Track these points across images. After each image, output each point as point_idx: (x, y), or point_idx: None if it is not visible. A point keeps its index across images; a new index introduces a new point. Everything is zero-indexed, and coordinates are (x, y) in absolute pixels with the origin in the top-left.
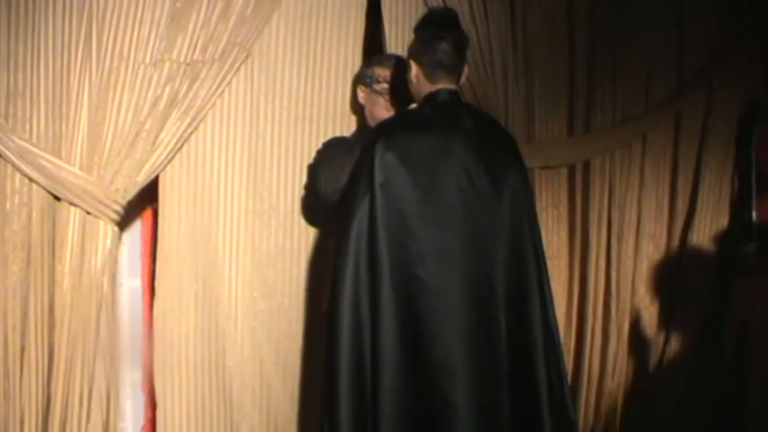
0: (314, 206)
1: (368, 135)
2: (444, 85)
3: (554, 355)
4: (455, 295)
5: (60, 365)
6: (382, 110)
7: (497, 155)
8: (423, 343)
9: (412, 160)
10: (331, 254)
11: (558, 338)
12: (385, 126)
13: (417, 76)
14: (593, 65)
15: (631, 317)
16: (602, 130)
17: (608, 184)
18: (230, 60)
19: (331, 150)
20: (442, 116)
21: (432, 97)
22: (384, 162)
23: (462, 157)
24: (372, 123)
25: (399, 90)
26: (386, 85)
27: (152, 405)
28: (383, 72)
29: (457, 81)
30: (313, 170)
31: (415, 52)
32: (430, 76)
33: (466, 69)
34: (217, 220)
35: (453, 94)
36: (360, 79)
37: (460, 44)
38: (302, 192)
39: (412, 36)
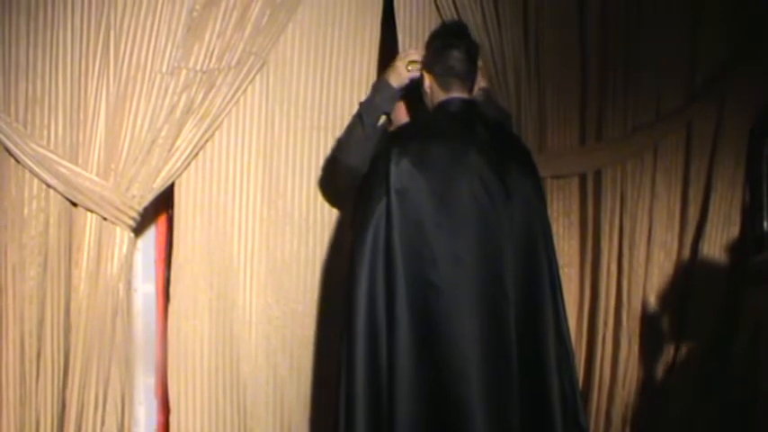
0: (336, 176)
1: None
2: (457, 93)
3: (566, 362)
4: (468, 300)
5: (76, 370)
6: (404, 115)
7: (511, 164)
8: (438, 348)
9: (427, 167)
10: (347, 260)
11: (571, 346)
12: (399, 133)
13: (431, 87)
14: (605, 75)
15: (642, 324)
16: (614, 140)
17: (619, 193)
18: (246, 69)
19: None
20: (455, 124)
21: (444, 105)
22: (400, 168)
23: (476, 165)
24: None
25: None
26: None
27: (164, 410)
28: None
29: (470, 90)
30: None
31: (427, 62)
32: (443, 85)
33: (479, 80)
34: (231, 226)
35: (466, 103)
36: None
37: (472, 52)
38: (316, 199)
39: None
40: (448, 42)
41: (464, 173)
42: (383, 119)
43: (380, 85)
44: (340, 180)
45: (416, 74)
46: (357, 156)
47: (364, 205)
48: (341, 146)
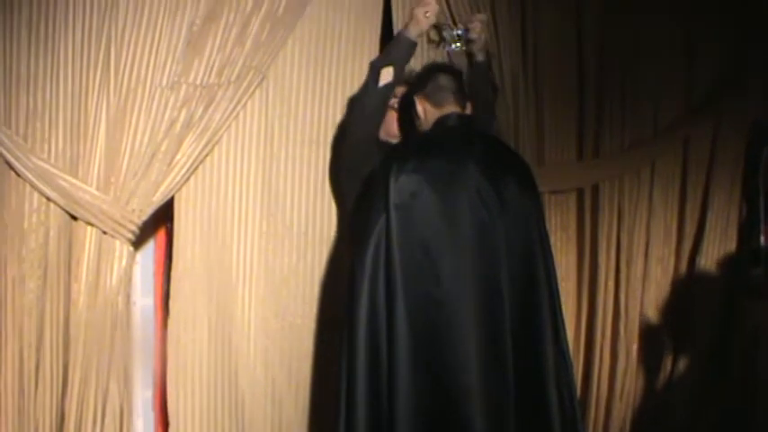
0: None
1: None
2: (452, 109)
3: (565, 375)
4: (468, 313)
5: (75, 383)
6: (395, 128)
7: (508, 177)
8: (439, 360)
9: (426, 182)
10: (345, 274)
11: (570, 359)
12: (397, 149)
13: (424, 109)
14: (603, 91)
15: (639, 338)
16: (611, 156)
17: (617, 208)
18: (245, 84)
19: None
20: (454, 138)
21: (441, 121)
22: (399, 185)
23: (475, 179)
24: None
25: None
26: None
27: (162, 423)
28: (398, 89)
29: (463, 107)
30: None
31: (417, 87)
32: (436, 102)
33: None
34: (231, 240)
35: (463, 118)
36: None
37: (459, 76)
38: (315, 213)
39: (424, 61)
40: (435, 67)
41: (463, 187)
42: (390, 71)
43: (397, 36)
44: (351, 138)
45: (434, 20)
46: (370, 106)
47: (364, 221)
48: (352, 101)
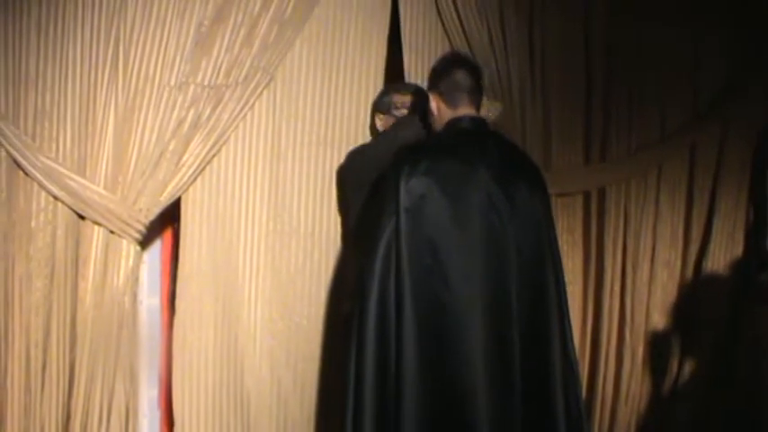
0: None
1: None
2: (466, 110)
3: (572, 379)
4: (476, 316)
5: (81, 381)
6: None
7: (520, 182)
8: (447, 363)
9: (437, 186)
10: (351, 275)
11: (577, 364)
12: (409, 151)
13: (438, 107)
14: (610, 96)
15: (645, 342)
16: (618, 160)
17: (623, 211)
18: (253, 84)
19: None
20: (465, 142)
21: (454, 123)
22: (409, 187)
23: (485, 183)
24: None
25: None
26: (405, 111)
27: (168, 422)
28: (402, 98)
29: (477, 107)
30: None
31: (432, 83)
32: (450, 102)
33: (484, 101)
34: (237, 240)
35: (476, 120)
36: (377, 107)
37: (476, 72)
38: (322, 214)
39: (431, 64)
40: (452, 61)
41: (473, 190)
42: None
43: None
44: None
45: None
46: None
47: (374, 223)
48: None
